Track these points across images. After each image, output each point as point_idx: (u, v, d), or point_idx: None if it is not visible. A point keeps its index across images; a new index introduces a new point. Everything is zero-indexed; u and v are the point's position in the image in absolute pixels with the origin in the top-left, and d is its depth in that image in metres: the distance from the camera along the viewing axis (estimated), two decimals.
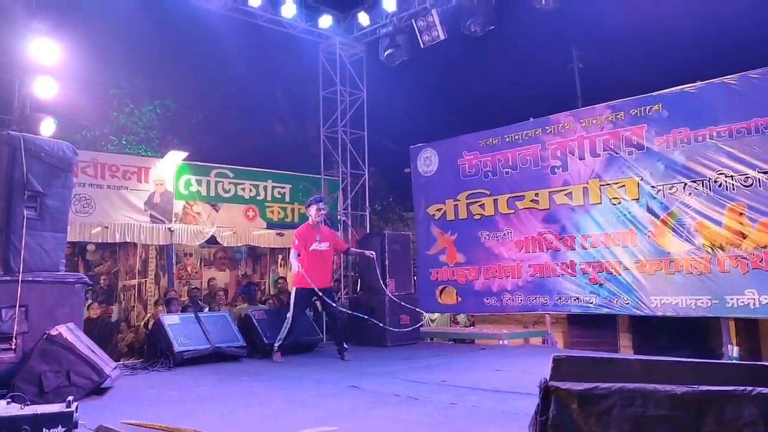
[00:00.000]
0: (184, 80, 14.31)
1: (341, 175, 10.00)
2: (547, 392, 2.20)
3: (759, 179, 6.29)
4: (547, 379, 2.26)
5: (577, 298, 7.64)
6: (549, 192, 8.02)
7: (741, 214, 6.38)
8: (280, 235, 10.89)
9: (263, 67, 12.36)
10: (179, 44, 13.19)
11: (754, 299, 6.23)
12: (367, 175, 10.03)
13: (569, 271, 7.74)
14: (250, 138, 13.78)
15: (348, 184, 10.01)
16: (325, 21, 9.09)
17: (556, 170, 8.00)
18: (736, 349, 6.54)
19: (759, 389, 1.91)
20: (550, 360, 2.43)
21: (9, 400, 3.43)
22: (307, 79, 10.49)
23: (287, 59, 11.06)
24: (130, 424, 1.42)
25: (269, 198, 10.67)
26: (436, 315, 10.61)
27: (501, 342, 8.40)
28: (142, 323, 8.39)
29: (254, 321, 7.33)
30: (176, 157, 9.72)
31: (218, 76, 13.85)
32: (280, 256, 12.27)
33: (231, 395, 5.01)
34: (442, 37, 8.40)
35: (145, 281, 10.88)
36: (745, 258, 6.31)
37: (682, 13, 8.08)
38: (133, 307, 9.63)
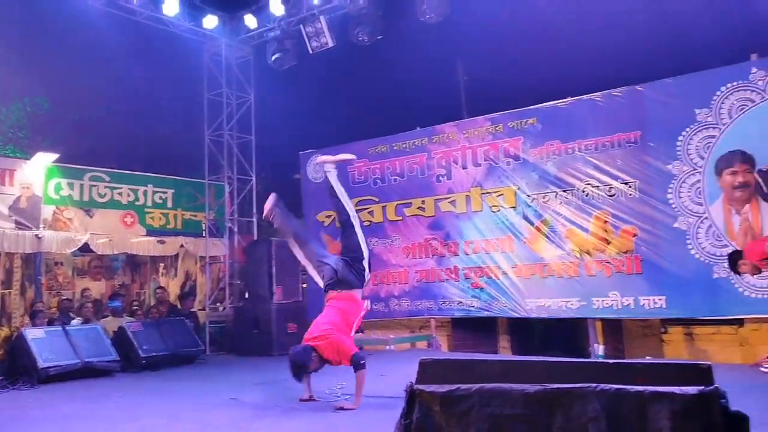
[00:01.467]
0: (59, 78, 13.38)
1: (227, 180, 9.73)
2: (411, 395, 2.24)
3: (621, 190, 6.81)
4: (413, 382, 2.30)
5: (460, 302, 7.90)
6: (434, 199, 8.25)
7: (605, 221, 6.87)
8: (161, 242, 10.42)
9: (146, 67, 11.82)
10: (54, 39, 12.33)
11: (617, 301, 6.73)
12: (254, 181, 9.83)
13: (453, 276, 7.99)
14: (130, 140, 13.07)
15: (235, 189, 9.76)
16: (210, 21, 8.84)
17: (441, 178, 8.24)
18: (601, 347, 7.02)
19: (602, 385, 2.05)
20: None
21: None
22: (191, 81, 10.13)
23: (171, 59, 10.64)
24: None
25: (149, 203, 10.19)
26: None
27: (388, 347, 8.51)
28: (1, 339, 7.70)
29: (129, 333, 6.95)
30: (45, 159, 9.06)
31: (97, 75, 13.07)
32: (162, 265, 11.74)
33: (101, 413, 4.72)
34: (330, 44, 8.42)
35: (9, 292, 10.01)
36: (609, 262, 6.81)
37: (558, 33, 8.61)
38: None
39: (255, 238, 9.87)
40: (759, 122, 6.09)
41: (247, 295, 9.29)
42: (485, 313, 7.73)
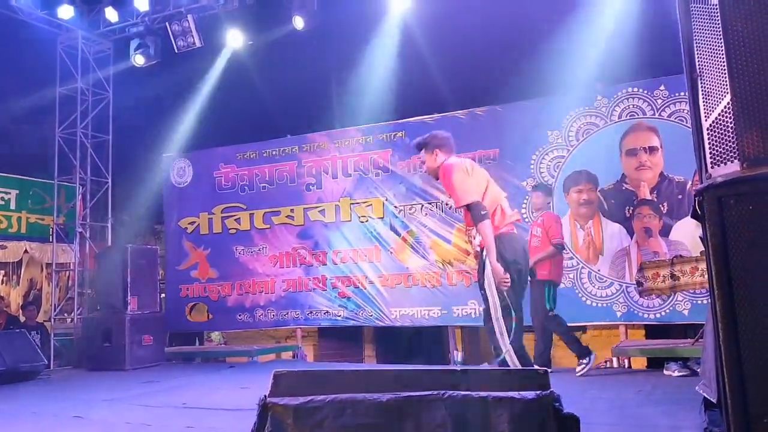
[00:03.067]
0: None
1: (80, 182, 9.03)
2: (264, 408, 2.19)
3: None
4: (266, 395, 2.25)
5: (327, 312, 7.91)
6: (304, 208, 8.21)
7: (467, 233, 7.19)
8: (2, 247, 9.47)
9: None
10: None
11: (475, 309, 7.05)
12: (110, 183, 9.19)
13: (320, 285, 7.98)
14: None
15: (87, 191, 9.07)
16: (66, 12, 8.18)
17: (311, 187, 8.22)
18: (460, 354, 7.33)
19: (449, 392, 2.12)
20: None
21: None
22: (42, 73, 9.31)
23: (20, 48, 9.72)
24: None
25: None
26: (216, 333, 10.12)
27: (252, 358, 8.30)
28: None
29: None
30: None
31: None
32: (2, 272, 10.65)
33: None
34: (198, 44, 8.12)
35: None
36: (468, 272, 7.12)
37: (429, 51, 8.92)
38: None
39: (109, 244, 9.23)
40: (602, 145, 6.69)
41: (98, 306, 8.65)
42: (351, 323, 7.81)
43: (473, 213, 4.31)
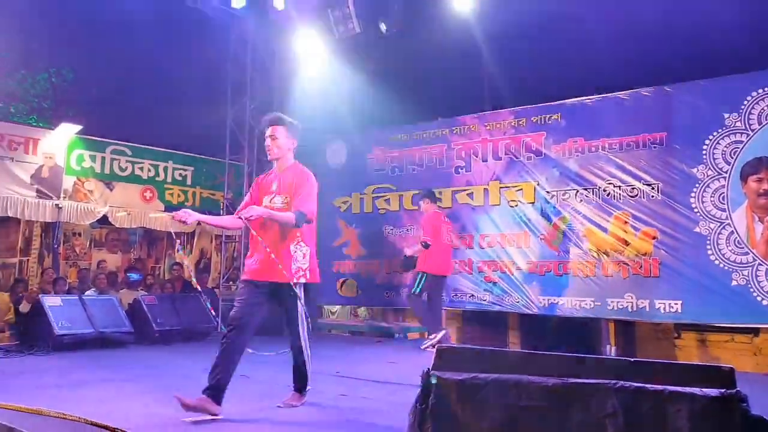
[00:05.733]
0: (84, 50, 13.47)
1: (247, 161, 9.76)
2: (428, 381, 2.24)
3: (643, 191, 6.74)
4: (429, 368, 2.30)
5: (472, 295, 7.89)
6: (452, 191, 8.21)
7: (626, 222, 6.81)
8: None
9: (171, 44, 11.87)
10: (82, 12, 12.42)
11: (632, 303, 6.67)
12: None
13: (466, 268, 7.97)
14: (152, 116, 13.15)
15: (254, 170, 9.78)
16: (239, 1, 8.82)
17: (459, 170, 8.21)
18: (613, 349, 6.98)
19: (621, 382, 2.04)
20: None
21: None
22: (217, 60, 10.14)
23: (197, 37, 10.66)
24: None
25: (169, 179, 10.26)
26: (337, 307, 10.63)
27: (398, 335, 8.53)
28: (20, 304, 7.80)
29: (144, 306, 7.03)
30: (69, 130, 9.13)
31: (123, 50, 13.15)
32: (178, 241, 11.84)
33: (112, 382, 4.78)
34: (357, 30, 8.38)
35: (27, 260, 10.15)
36: (626, 264, 6.75)
37: (586, 29, 8.50)
38: (12, 286, 8.94)
39: None
40: None
41: None
42: (497, 308, 7.72)
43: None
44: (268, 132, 4.02)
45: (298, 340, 4.00)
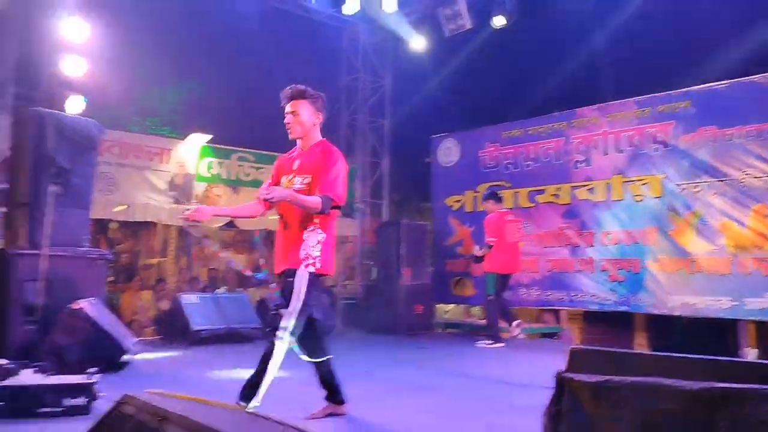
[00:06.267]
0: (209, 63, 14.37)
1: (360, 163, 10.00)
2: (561, 383, 2.19)
3: None
4: (563, 370, 2.25)
5: (595, 295, 7.60)
6: (571, 187, 7.95)
7: (766, 216, 6.28)
8: None
9: (287, 53, 12.41)
10: (206, 27, 13.24)
11: None
12: (387, 164, 10.02)
13: (588, 267, 7.69)
14: (271, 123, 13.72)
15: (367, 172, 10.02)
16: (350, 7, 9.06)
17: (579, 165, 7.93)
18: (753, 351, 6.46)
19: None
20: (567, 353, 2.43)
21: (34, 370, 3.52)
22: (329, 66, 10.48)
23: (310, 45, 11.06)
24: (154, 393, 1.45)
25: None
26: (450, 306, 10.61)
27: (515, 336, 8.37)
28: (160, 302, 8.50)
29: (270, 304, 7.39)
30: (199, 140, 9.79)
31: (243, 61, 13.91)
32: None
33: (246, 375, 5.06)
34: (468, 26, 8.33)
35: (165, 261, 11.01)
36: (767, 261, 6.22)
37: (712, 9, 7.94)
38: (153, 285, 9.74)
39: (385, 219, 10.08)
40: None
41: (374, 276, 9.54)
42: (623, 308, 7.37)
43: None
44: (288, 108, 3.49)
45: (275, 329, 3.24)
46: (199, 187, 9.81)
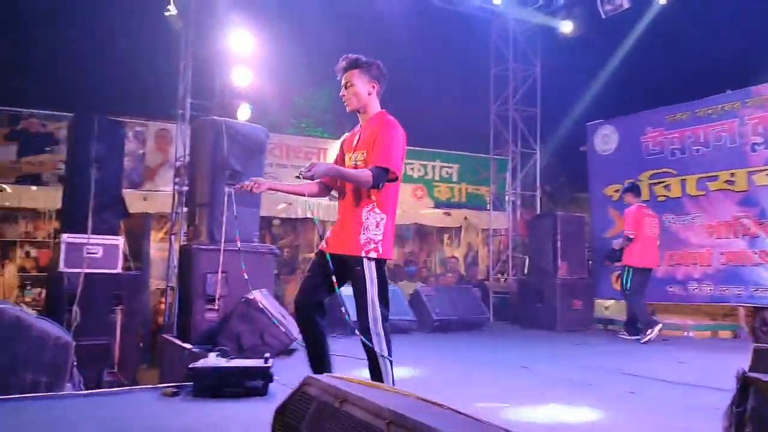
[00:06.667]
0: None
1: (511, 154, 9.84)
2: (745, 383, 2.03)
3: None
4: (746, 370, 2.09)
5: None
6: (747, 172, 7.24)
7: None
8: (447, 214, 11.01)
9: (433, 47, 12.52)
10: (352, 27, 13.73)
11: None
12: (538, 154, 9.76)
13: None
14: (418, 118, 13.95)
15: (518, 163, 9.83)
16: None
17: (756, 147, 7.19)
18: None
19: None
20: (749, 352, 2.25)
21: (217, 353, 3.91)
22: (477, 58, 10.40)
23: (458, 38, 11.05)
24: (334, 377, 1.56)
25: (437, 177, 10.86)
26: (611, 302, 10.08)
27: (686, 333, 7.80)
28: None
29: (423, 297, 7.53)
30: None
31: (388, 58, 14.23)
32: (446, 236, 12.42)
33: (405, 363, 5.20)
34: (626, 5, 7.86)
35: None
36: None
37: None
38: None
39: (537, 212, 9.83)
40: None
41: (526, 269, 9.35)
42: None
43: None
44: (343, 80, 3.25)
45: (366, 331, 3.07)
46: None
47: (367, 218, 3.01)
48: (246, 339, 4.90)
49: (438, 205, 10.90)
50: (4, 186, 8.20)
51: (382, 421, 1.29)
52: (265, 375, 3.55)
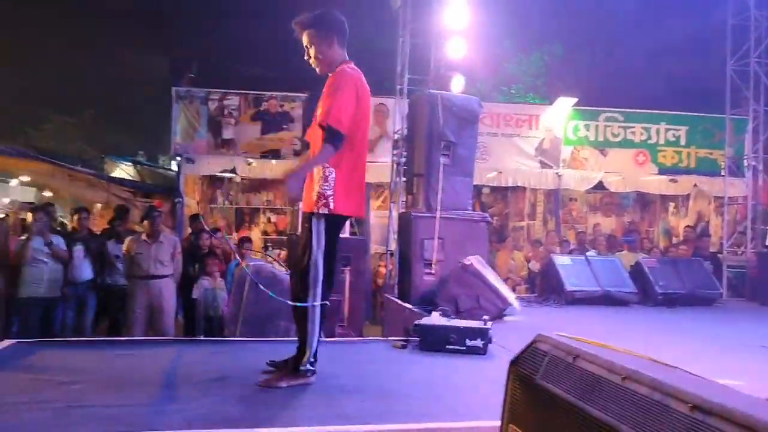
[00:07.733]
0: (569, 25, 14.21)
1: (752, 114, 8.73)
2: None
3: None
4: None
5: None
6: None
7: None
8: (673, 181, 10.19)
9: (655, 3, 11.50)
10: None
11: None
12: None
13: None
14: (640, 78, 13.03)
15: (760, 123, 8.70)
16: None
17: None
18: None
19: None
20: None
21: (439, 312, 4.18)
22: (710, 7, 9.33)
23: None
24: (563, 335, 1.63)
25: (662, 141, 10.08)
26: None
27: None
28: (529, 262, 8.93)
29: (645, 269, 7.11)
30: (566, 104, 9.89)
31: (604, 18, 13.38)
32: (672, 204, 11.48)
33: (619, 337, 5.03)
34: None
35: (533, 223, 11.50)
36: None
37: None
38: (522, 246, 10.26)
39: None
40: None
41: (767, 241, 8.32)
42: None
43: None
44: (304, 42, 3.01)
45: (300, 290, 2.88)
46: (566, 151, 9.94)
47: (317, 173, 2.89)
48: (463, 302, 5.11)
49: (663, 171, 10.12)
50: (251, 160, 9.41)
51: (617, 376, 1.34)
52: (485, 335, 3.71)
